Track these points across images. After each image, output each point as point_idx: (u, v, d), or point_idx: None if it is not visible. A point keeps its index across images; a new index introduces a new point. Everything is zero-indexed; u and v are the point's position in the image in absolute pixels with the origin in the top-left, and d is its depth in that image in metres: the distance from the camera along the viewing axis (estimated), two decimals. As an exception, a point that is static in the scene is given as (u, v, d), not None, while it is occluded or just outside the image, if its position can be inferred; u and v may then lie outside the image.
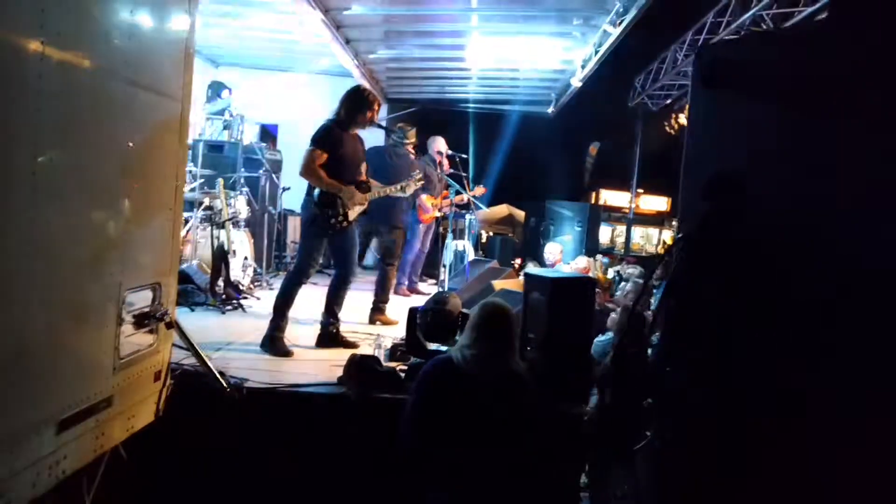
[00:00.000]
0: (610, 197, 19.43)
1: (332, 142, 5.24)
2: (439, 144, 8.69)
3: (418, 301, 5.85)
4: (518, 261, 10.85)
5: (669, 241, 10.86)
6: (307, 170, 5.16)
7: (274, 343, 5.20)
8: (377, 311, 6.78)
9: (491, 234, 14.39)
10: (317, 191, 5.24)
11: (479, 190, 9.01)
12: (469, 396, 3.39)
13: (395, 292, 8.43)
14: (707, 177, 2.32)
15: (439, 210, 8.69)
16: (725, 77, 2.27)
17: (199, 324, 5.86)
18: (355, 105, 5.36)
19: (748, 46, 2.68)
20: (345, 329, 5.69)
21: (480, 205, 9.23)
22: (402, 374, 4.48)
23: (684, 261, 2.48)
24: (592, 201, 18.87)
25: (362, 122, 5.38)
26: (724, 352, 2.46)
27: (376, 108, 5.46)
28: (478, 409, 3.38)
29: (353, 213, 5.34)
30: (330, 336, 5.48)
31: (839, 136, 2.04)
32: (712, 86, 2.31)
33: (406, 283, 8.69)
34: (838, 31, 2.26)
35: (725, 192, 2.26)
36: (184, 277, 6.38)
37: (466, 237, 10.57)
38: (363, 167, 5.58)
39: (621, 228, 16.54)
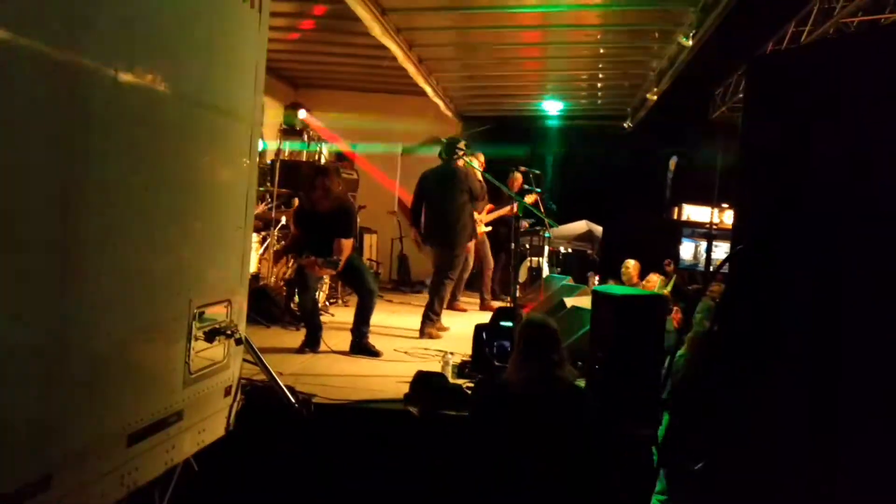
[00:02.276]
0: (693, 212, 18.85)
1: None
2: (478, 160, 8.62)
3: (487, 318, 5.83)
4: (596, 277, 10.65)
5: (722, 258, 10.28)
6: None
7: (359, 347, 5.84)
8: (427, 322, 6.78)
9: (569, 250, 14.19)
10: None
11: (530, 198, 8.75)
12: (524, 417, 3.35)
13: (450, 307, 8.31)
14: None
15: (485, 224, 8.61)
16: (778, 87, 2.19)
17: (273, 340, 6.00)
18: None
19: (803, 55, 2.57)
20: (413, 346, 6.10)
21: (543, 218, 8.99)
22: (469, 392, 4.47)
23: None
24: (675, 216, 18.34)
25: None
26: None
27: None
28: (534, 429, 3.33)
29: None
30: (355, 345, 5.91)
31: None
32: (765, 96, 2.23)
33: (460, 298, 8.61)
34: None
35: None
36: (259, 295, 6.54)
37: (543, 254, 10.51)
38: None
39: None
